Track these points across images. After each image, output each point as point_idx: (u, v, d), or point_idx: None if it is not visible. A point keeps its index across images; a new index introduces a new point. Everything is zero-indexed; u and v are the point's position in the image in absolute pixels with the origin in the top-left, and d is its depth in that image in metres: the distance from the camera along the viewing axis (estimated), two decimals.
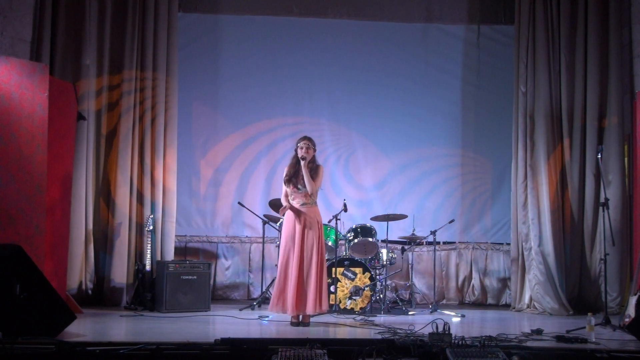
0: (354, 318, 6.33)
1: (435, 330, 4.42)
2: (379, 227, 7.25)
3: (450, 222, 7.32)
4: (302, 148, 5.88)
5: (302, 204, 5.83)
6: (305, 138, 5.94)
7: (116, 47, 7.32)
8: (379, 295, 6.93)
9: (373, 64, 8.22)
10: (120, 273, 7.03)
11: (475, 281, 8.09)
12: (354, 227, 7.23)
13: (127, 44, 7.28)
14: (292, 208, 5.82)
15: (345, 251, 7.16)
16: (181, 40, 7.74)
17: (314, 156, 5.95)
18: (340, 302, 6.77)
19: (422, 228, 7.51)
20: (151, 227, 6.97)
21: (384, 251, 7.18)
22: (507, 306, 7.72)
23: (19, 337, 4.18)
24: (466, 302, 8.08)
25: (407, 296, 7.69)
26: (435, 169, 8.21)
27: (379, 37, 8.24)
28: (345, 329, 5.74)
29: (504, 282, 8.02)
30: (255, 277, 7.89)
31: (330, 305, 6.66)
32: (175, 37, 7.52)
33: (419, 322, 5.73)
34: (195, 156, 8.04)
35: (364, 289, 6.81)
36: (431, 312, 6.92)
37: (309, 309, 5.69)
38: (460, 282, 8.13)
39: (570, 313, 6.99)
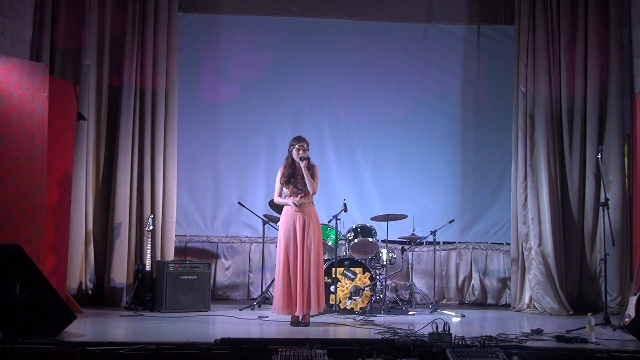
0: (354, 318, 6.33)
1: (435, 330, 4.42)
2: (379, 227, 7.25)
3: (450, 222, 7.32)
4: (298, 150, 5.86)
5: (301, 204, 5.83)
6: (301, 139, 5.91)
7: (116, 47, 7.33)
8: (379, 295, 6.93)
9: (373, 64, 8.21)
10: (120, 273, 7.03)
11: (475, 281, 8.09)
12: (354, 227, 7.22)
13: (127, 44, 7.27)
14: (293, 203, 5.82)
15: (345, 251, 7.16)
16: (181, 40, 7.74)
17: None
18: (340, 302, 6.77)
19: (422, 228, 7.49)
20: (151, 227, 6.97)
21: (384, 251, 7.18)
22: (507, 306, 7.71)
23: (19, 337, 4.18)
24: (466, 302, 8.08)
25: (407, 296, 7.69)
26: (435, 169, 8.21)
27: (379, 37, 8.24)
28: (345, 329, 5.74)
29: (504, 282, 8.02)
30: (255, 277, 7.89)
31: (330, 305, 6.67)
32: (175, 37, 7.51)
33: (419, 322, 5.74)
34: (195, 156, 8.03)
35: (364, 289, 6.81)
36: (431, 312, 6.92)
37: (313, 308, 5.70)
38: (460, 282, 8.13)
39: (570, 313, 6.99)
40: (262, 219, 7.32)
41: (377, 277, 6.98)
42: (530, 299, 7.25)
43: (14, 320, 4.38)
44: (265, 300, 7.12)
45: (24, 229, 5.65)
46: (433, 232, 7.21)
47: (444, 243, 8.05)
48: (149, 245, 6.94)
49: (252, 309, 6.81)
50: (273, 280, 6.77)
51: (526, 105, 7.42)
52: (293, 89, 8.17)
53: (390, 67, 8.23)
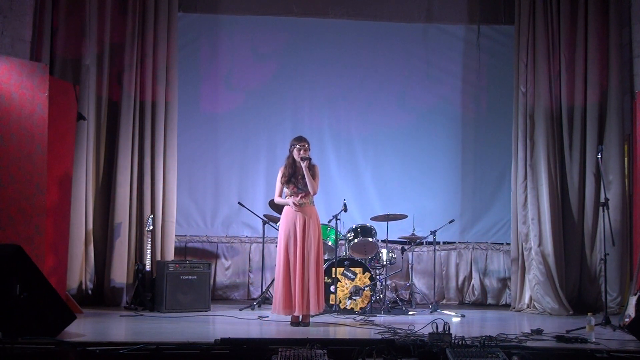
0: (354, 318, 6.33)
1: (435, 330, 4.42)
2: (379, 227, 7.25)
3: (450, 222, 7.32)
4: (300, 150, 5.86)
5: (301, 204, 5.83)
6: (302, 139, 5.91)
7: (116, 47, 7.32)
8: (379, 295, 6.93)
9: (373, 64, 8.22)
10: (120, 273, 7.03)
11: (475, 281, 8.09)
12: (354, 227, 7.22)
13: (127, 44, 7.27)
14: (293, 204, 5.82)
15: (345, 251, 7.16)
16: (181, 40, 7.74)
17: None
18: (340, 302, 6.77)
19: (422, 228, 7.50)
20: (151, 227, 6.97)
21: (384, 251, 7.18)
22: (507, 306, 7.71)
23: (19, 337, 4.18)
24: (466, 302, 8.08)
25: (407, 296, 7.69)
26: (435, 169, 8.21)
27: (379, 37, 8.24)
28: (345, 329, 5.73)
29: (504, 282, 8.02)
30: (255, 277, 7.89)
31: (330, 305, 6.67)
32: (175, 37, 7.51)
33: (419, 322, 5.74)
34: (195, 156, 8.03)
35: (364, 289, 6.81)
36: (431, 312, 6.91)
37: (312, 308, 5.70)
38: (460, 282, 8.13)
39: (570, 313, 6.99)
40: (262, 219, 7.33)
41: (377, 277, 6.98)
42: (530, 299, 7.25)
43: (14, 320, 4.38)
44: (265, 300, 7.12)
45: (24, 229, 5.65)
46: (433, 232, 7.21)
47: (444, 243, 8.05)
48: (149, 245, 6.95)
49: (252, 309, 6.81)
50: (273, 280, 6.77)
51: (526, 105, 7.42)
52: (293, 89, 8.17)
53: (390, 67, 8.23)
